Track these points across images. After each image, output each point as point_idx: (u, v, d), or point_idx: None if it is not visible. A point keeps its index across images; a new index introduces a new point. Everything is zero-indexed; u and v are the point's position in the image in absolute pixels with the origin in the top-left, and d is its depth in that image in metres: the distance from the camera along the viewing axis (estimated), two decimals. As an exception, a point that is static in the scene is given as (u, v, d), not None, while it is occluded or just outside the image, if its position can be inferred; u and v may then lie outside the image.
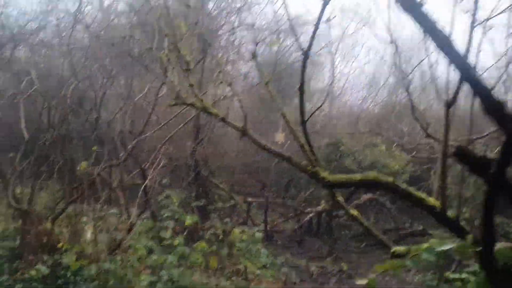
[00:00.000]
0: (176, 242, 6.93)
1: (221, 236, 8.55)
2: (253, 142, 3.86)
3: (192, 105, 4.44)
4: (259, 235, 8.60)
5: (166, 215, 8.86)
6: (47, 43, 13.94)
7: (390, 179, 3.43)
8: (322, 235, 15.84)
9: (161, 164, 8.02)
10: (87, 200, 8.94)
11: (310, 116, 3.70)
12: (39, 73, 10.94)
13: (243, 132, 3.86)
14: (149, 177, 7.27)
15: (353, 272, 10.80)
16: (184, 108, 7.84)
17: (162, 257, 6.25)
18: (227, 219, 9.79)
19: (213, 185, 14.05)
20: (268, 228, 14.15)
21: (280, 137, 6.00)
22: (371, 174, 3.47)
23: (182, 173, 12.52)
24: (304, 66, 3.49)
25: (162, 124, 8.46)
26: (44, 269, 6.08)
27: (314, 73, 21.36)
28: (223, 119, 4.09)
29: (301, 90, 3.52)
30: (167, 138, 8.12)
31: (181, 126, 8.99)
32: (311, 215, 16.15)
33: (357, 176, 3.47)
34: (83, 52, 12.42)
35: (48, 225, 7.62)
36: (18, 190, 9.90)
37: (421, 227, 14.32)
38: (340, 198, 4.06)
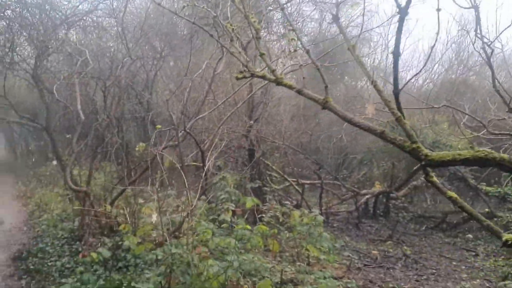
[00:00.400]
0: (239, 225, 6.62)
1: (281, 219, 8.19)
2: (337, 115, 3.42)
3: (262, 77, 4.04)
4: (320, 218, 8.14)
5: (222, 197, 8.57)
6: (100, 25, 13.85)
7: (505, 156, 2.92)
8: (378, 218, 15.26)
9: (220, 145, 7.73)
10: (144, 181, 8.81)
11: (405, 85, 3.20)
12: (92, 54, 10.82)
13: (324, 104, 3.42)
14: (208, 159, 6.97)
15: (417, 257, 10.24)
16: (243, 84, 7.48)
17: (225, 240, 5.93)
18: (287, 202, 9.40)
19: (266, 166, 13.69)
20: (323, 211, 13.67)
21: (370, 109, 5.47)
22: (481, 151, 2.97)
23: (235, 155, 12.21)
24: (400, 26, 2.99)
25: (221, 102, 8.10)
26: (106, 252, 5.92)
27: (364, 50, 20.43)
28: (299, 91, 3.66)
29: (396, 53, 3.03)
30: (226, 118, 7.77)
31: (240, 104, 8.63)
32: (367, 196, 15.59)
33: (465, 153, 2.97)
34: (134, 33, 12.24)
35: (108, 207, 7.49)
36: (75, 172, 9.92)
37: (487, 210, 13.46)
38: (435, 179, 3.57)
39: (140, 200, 8.32)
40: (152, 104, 15.77)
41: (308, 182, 15.03)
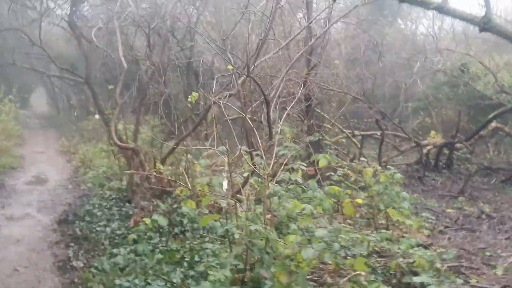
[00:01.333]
0: (312, 185, 5.67)
1: (353, 178, 7.16)
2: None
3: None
4: (398, 175, 7.08)
5: (281, 152, 7.57)
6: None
7: None
8: (441, 170, 14.00)
9: (280, 94, 6.67)
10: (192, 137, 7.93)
11: None
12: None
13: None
14: (271, 109, 5.96)
15: (498, 215, 9.07)
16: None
17: (297, 205, 4.98)
18: (361, 158, 8.35)
19: (323, 117, 12.57)
20: (382, 164, 12.52)
21: None
22: None
23: (289, 104, 11.08)
24: None
25: (286, 41, 6.94)
26: (162, 220, 5.10)
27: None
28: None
29: None
30: (293, 61, 6.64)
31: (306, 47, 7.46)
32: (428, 148, 14.33)
33: None
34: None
35: (160, 167, 6.66)
36: (120, 126, 9.11)
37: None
38: None
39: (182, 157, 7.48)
40: (194, 52, 14.76)
41: (366, 133, 13.85)
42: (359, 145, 12.84)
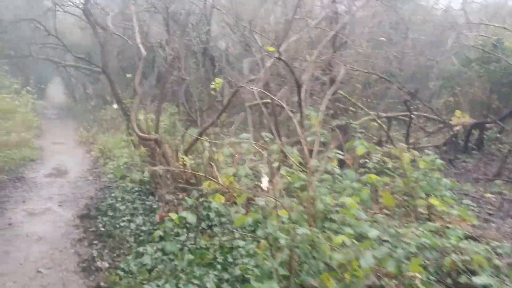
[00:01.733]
0: (349, 175, 5.24)
1: (390, 164, 6.67)
2: None
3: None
4: (439, 161, 6.57)
5: (309, 138, 7.12)
6: None
7: None
8: (471, 152, 13.37)
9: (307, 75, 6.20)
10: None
11: None
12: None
13: None
14: (303, 93, 5.50)
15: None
16: None
17: (335, 198, 4.55)
18: (389, 141, 7.85)
19: (346, 99, 12.06)
20: (410, 147, 11.95)
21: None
22: None
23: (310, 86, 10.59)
24: None
25: (316, 21, 6.45)
26: (191, 217, 4.72)
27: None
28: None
29: None
30: (323, 43, 6.16)
31: (338, 26, 6.95)
32: (457, 128, 13.69)
33: None
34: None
35: (185, 159, 6.28)
36: (140, 116, 8.74)
37: None
38: None
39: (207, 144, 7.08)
40: (211, 37, 14.34)
41: (392, 115, 13.28)
42: (385, 128, 12.29)
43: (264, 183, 3.81)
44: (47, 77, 29.65)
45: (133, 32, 9.60)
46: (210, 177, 5.23)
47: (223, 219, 6.01)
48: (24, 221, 7.17)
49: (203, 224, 5.93)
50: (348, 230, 3.58)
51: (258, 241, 4.64)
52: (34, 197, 8.67)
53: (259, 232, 3.44)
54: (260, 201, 3.53)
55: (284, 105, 5.13)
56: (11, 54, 16.04)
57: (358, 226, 3.86)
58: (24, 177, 10.30)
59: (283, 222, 3.41)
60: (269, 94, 5.30)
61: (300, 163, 5.23)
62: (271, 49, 5.01)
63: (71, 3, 11.91)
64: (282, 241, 3.11)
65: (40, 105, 22.96)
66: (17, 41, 15.71)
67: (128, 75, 10.22)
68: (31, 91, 18.79)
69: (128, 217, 6.73)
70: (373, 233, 3.46)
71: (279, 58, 5.03)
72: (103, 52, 10.39)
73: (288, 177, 5.15)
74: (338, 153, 5.23)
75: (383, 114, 13.22)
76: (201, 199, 6.06)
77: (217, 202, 4.90)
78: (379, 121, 12.73)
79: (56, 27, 11.35)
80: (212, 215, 6.00)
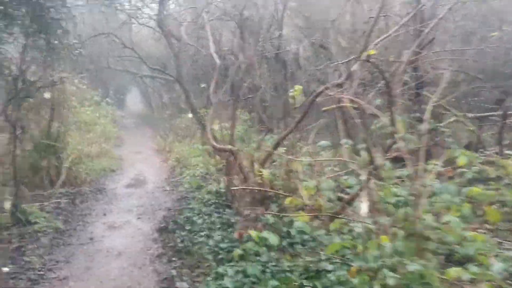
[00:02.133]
0: (450, 189, 4.65)
1: (494, 173, 5.95)
2: None
3: None
4: (550, 169, 5.77)
5: (393, 147, 6.55)
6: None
7: None
8: None
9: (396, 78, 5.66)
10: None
11: None
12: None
13: None
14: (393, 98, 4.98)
15: None
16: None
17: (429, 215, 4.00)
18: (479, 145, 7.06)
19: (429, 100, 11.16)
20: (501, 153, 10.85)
21: None
22: None
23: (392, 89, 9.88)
24: None
25: (404, 19, 5.90)
26: (273, 238, 4.38)
27: None
28: None
29: None
30: (417, 41, 5.60)
31: (433, 22, 6.31)
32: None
33: None
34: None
35: (264, 172, 5.96)
36: (215, 126, 8.58)
37: None
38: None
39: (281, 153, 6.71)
40: (282, 42, 14.00)
41: (483, 115, 12.16)
42: (476, 131, 11.27)
43: (364, 208, 3.37)
44: (125, 87, 30.91)
45: (206, 41, 9.53)
46: (291, 192, 4.85)
47: (305, 237, 5.62)
48: (105, 235, 7.19)
49: (284, 242, 5.58)
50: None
51: (348, 265, 4.22)
52: (114, 210, 8.76)
53: (357, 263, 3.01)
54: (357, 227, 3.10)
55: (378, 113, 4.64)
56: (91, 68, 16.71)
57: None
58: (105, 188, 10.52)
59: (384, 250, 2.96)
60: (360, 101, 4.84)
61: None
62: (372, 52, 4.56)
63: (145, 15, 12.08)
64: (391, 282, 2.65)
65: (119, 115, 23.85)
66: (96, 55, 16.37)
67: (202, 85, 10.16)
68: (110, 102, 19.52)
69: (206, 232, 6.51)
70: (497, 267, 2.89)
71: (367, 61, 4.57)
72: (177, 62, 10.40)
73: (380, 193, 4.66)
74: (436, 164, 4.64)
75: (470, 115, 12.19)
76: (280, 215, 5.71)
77: (301, 221, 4.52)
78: (468, 123, 11.73)
79: (131, 39, 11.56)
80: (293, 232, 5.63)
